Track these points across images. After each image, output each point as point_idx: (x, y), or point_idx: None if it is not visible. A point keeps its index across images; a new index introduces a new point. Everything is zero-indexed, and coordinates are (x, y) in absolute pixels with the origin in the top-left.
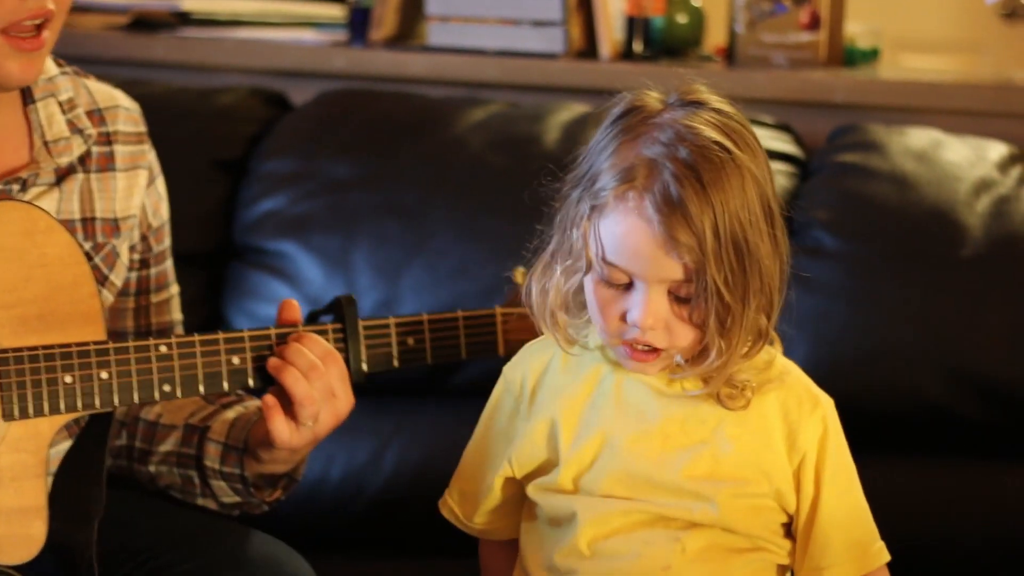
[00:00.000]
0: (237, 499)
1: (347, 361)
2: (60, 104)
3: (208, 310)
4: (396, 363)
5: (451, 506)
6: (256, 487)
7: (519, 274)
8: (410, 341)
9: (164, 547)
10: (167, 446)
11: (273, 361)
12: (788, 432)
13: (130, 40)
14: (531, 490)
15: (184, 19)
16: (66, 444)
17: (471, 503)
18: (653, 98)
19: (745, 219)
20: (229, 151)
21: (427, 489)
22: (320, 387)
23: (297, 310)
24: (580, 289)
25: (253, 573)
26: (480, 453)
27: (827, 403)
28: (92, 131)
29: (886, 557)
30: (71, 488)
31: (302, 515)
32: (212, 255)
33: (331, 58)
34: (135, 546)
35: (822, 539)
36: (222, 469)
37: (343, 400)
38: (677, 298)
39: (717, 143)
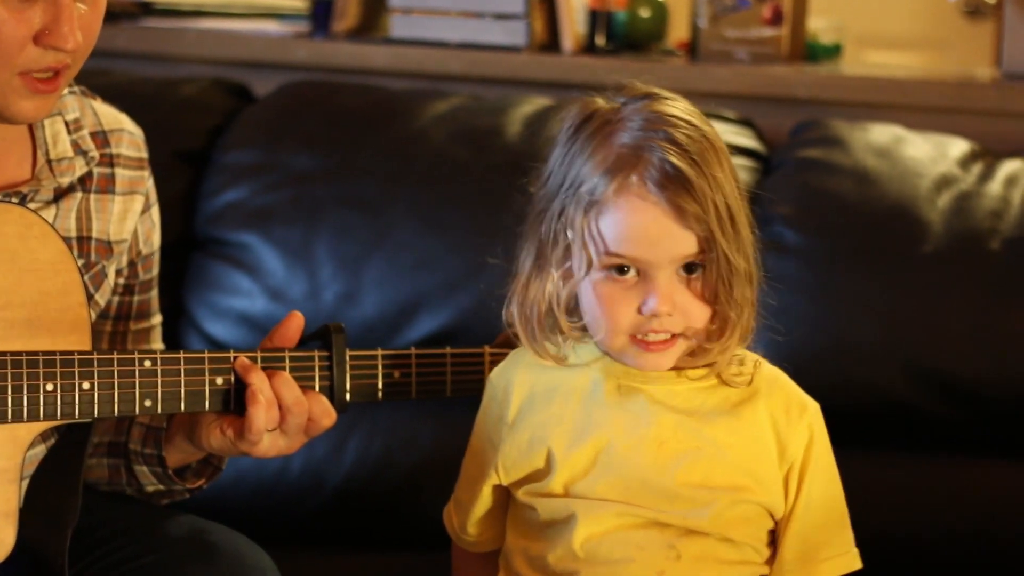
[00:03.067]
0: (160, 487)
1: (331, 390)
2: (67, 124)
3: (169, 301)
4: (380, 396)
5: (451, 515)
6: (178, 474)
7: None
8: (396, 374)
9: (124, 540)
10: (99, 436)
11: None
12: (778, 440)
13: None
14: (522, 495)
15: (146, 9)
16: (41, 448)
17: (465, 512)
18: (602, 103)
19: (728, 187)
20: (191, 142)
21: (387, 481)
22: (296, 427)
23: (299, 327)
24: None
25: (213, 565)
26: (472, 461)
27: (814, 409)
28: (95, 153)
29: (856, 565)
30: (46, 495)
31: (263, 507)
32: (173, 246)
33: (293, 49)
34: (94, 539)
35: (793, 537)
36: (143, 451)
37: (296, 444)
38: (687, 277)
39: (687, 121)
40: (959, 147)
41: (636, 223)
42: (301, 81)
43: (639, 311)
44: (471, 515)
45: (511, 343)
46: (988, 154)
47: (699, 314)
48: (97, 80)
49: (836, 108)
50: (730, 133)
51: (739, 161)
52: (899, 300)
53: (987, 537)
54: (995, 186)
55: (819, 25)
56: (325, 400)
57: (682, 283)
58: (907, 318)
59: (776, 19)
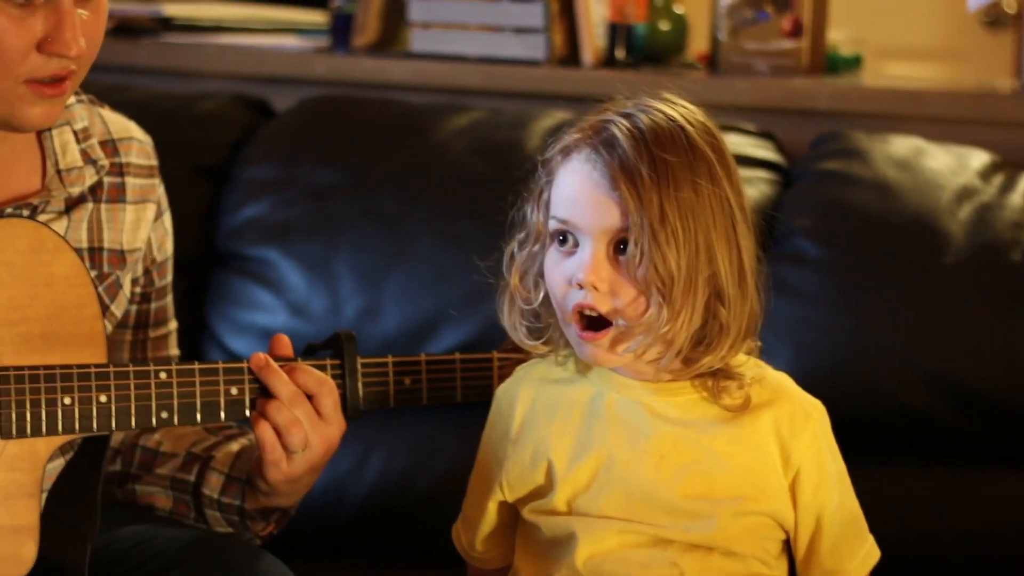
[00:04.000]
0: (230, 530)
1: (344, 398)
2: (75, 133)
3: (191, 317)
4: (392, 403)
5: (459, 533)
6: (251, 519)
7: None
8: (407, 381)
9: (145, 555)
10: (163, 470)
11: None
12: (781, 448)
13: (112, 45)
14: (527, 513)
15: (166, 25)
16: (59, 462)
17: (472, 529)
18: (627, 99)
19: (686, 182)
20: (211, 157)
21: (409, 497)
22: (304, 413)
23: (288, 347)
24: (533, 264)
25: None
26: (478, 478)
27: (819, 413)
28: (105, 162)
29: (876, 553)
30: (65, 509)
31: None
32: (194, 262)
33: (313, 64)
34: (114, 553)
35: (816, 543)
36: (221, 499)
37: (334, 425)
38: (618, 254)
39: (671, 117)
40: (980, 158)
41: (569, 184)
42: (321, 96)
43: (569, 283)
44: (478, 532)
45: (518, 348)
46: (1009, 165)
47: (626, 296)
48: (117, 96)
49: (856, 120)
50: (750, 146)
51: (759, 174)
52: (920, 312)
53: (1007, 548)
54: (1016, 197)
55: (839, 37)
56: (315, 371)
57: (614, 262)
58: (928, 330)
59: (796, 31)
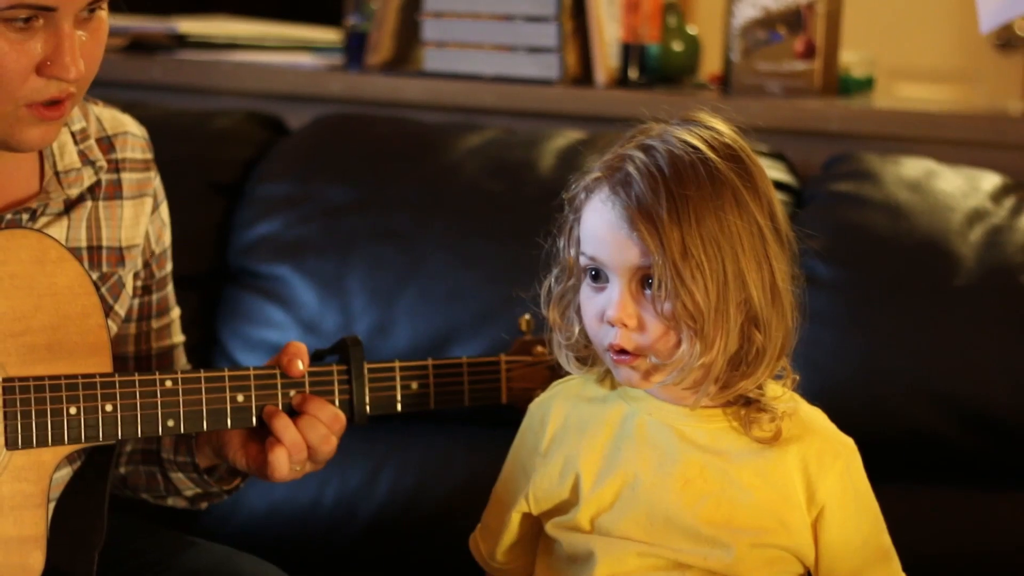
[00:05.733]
0: (198, 490)
1: (351, 403)
2: (73, 135)
3: (202, 333)
4: (399, 407)
5: (478, 541)
6: (210, 474)
7: (524, 322)
8: (414, 385)
9: (156, 570)
10: (130, 445)
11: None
12: (807, 485)
13: (127, 62)
14: (550, 527)
15: (181, 42)
16: (66, 471)
17: (493, 539)
18: (657, 123)
19: (710, 215)
20: (225, 174)
21: (420, 513)
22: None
23: (303, 357)
24: (572, 298)
25: None
26: (504, 488)
27: (848, 452)
28: (103, 162)
29: None
30: (72, 518)
31: (295, 539)
32: (207, 278)
33: (327, 82)
34: (125, 570)
35: None
36: (176, 459)
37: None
38: (645, 289)
39: (693, 146)
40: (991, 181)
41: (592, 223)
42: (335, 114)
43: (601, 319)
44: (500, 543)
45: (527, 351)
46: (1020, 188)
47: (654, 331)
48: (132, 112)
49: (868, 141)
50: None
51: None
52: (931, 333)
53: (1016, 569)
54: None
55: (851, 59)
56: (331, 407)
57: (640, 298)
58: (939, 351)
59: (808, 53)
